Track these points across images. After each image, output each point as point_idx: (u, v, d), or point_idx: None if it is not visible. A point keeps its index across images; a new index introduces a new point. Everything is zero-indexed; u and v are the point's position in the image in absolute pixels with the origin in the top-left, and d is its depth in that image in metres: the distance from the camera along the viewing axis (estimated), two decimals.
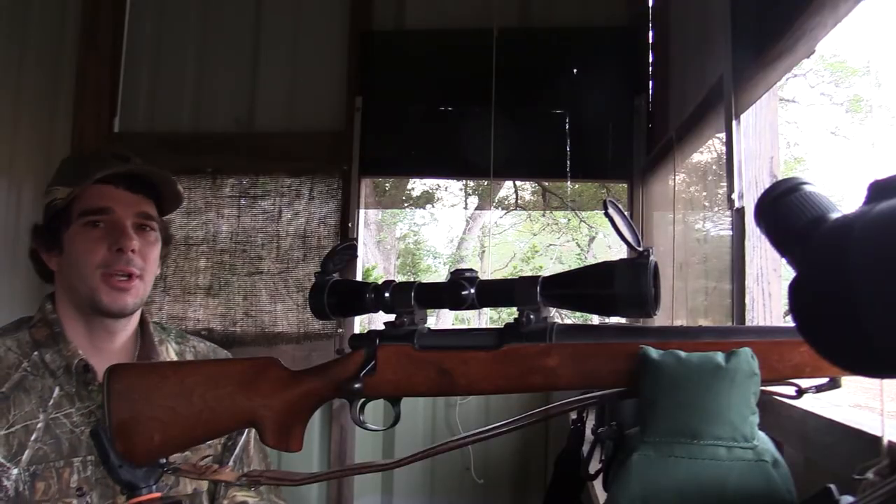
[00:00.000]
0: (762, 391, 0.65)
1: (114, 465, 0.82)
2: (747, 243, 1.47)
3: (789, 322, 0.48)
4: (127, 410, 0.82)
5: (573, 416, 0.94)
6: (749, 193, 1.50)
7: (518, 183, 8.84)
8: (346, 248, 0.82)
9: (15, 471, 1.10)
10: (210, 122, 3.08)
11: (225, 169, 3.00)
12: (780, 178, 1.12)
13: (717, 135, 1.75)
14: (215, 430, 0.85)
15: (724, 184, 1.60)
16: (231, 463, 1.31)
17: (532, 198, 9.61)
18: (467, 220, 10.81)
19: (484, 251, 10.82)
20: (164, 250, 1.31)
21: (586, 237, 11.16)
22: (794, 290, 0.43)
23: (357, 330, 2.80)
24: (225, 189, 3.00)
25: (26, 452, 1.12)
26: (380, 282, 0.78)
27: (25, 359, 1.18)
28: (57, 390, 1.17)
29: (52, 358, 1.18)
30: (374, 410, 0.81)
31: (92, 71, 3.04)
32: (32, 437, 1.13)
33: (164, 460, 0.85)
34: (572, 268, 0.73)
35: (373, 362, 0.76)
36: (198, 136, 3.05)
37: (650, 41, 2.83)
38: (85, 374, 1.18)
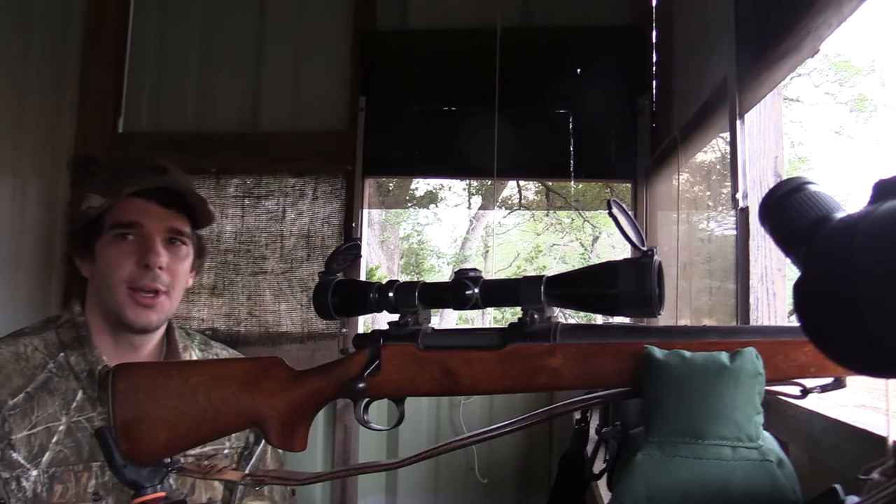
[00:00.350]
0: (767, 391, 0.65)
1: (118, 465, 0.82)
2: (751, 243, 1.47)
3: (794, 322, 0.48)
4: (132, 410, 0.82)
5: (577, 415, 0.94)
6: (753, 193, 1.50)
7: (521, 183, 8.82)
8: (349, 248, 0.82)
9: (34, 472, 1.10)
10: (214, 122, 3.08)
11: (229, 169, 3.00)
12: (784, 177, 1.12)
13: (722, 134, 1.75)
14: (220, 429, 0.85)
15: (728, 183, 1.59)
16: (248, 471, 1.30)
17: (535, 197, 9.60)
18: (471, 220, 10.80)
19: (487, 251, 10.81)
20: (197, 262, 1.31)
21: (590, 237, 11.15)
22: (799, 289, 0.43)
23: (361, 330, 2.80)
24: (229, 189, 3.00)
25: (47, 454, 1.11)
26: (384, 282, 0.78)
27: (51, 360, 1.17)
28: (80, 393, 1.16)
29: (76, 361, 1.18)
30: (378, 410, 0.81)
31: (96, 71, 3.05)
32: (54, 440, 1.12)
33: (169, 460, 0.85)
34: (576, 268, 0.73)
35: (377, 362, 0.76)
36: (202, 136, 3.05)
37: (654, 41, 2.83)
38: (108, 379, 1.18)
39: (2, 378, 1.12)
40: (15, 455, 1.09)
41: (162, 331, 1.29)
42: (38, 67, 2.96)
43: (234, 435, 1.25)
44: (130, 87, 3.12)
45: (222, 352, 1.40)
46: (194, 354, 1.34)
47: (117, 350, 1.23)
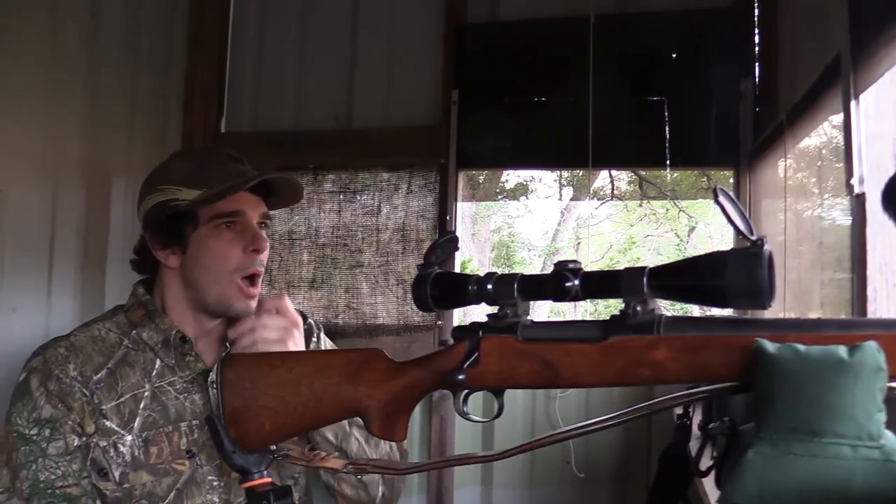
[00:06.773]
0: (890, 388, 0.61)
1: (227, 451, 0.85)
2: (869, 231, 1.39)
3: None
4: (239, 398, 0.85)
5: (678, 411, 0.91)
6: (870, 178, 1.42)
7: (614, 173, 8.64)
8: (447, 241, 0.82)
9: (129, 437, 1.17)
10: (310, 119, 3.16)
11: (325, 165, 3.08)
12: None
13: (833, 116, 1.66)
14: (322, 418, 0.87)
15: (839, 168, 1.51)
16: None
17: (628, 188, 9.38)
18: (562, 212, 10.66)
19: (579, 243, 10.65)
20: None
21: (686, 227, 10.80)
22: None
23: (456, 322, 2.82)
24: (326, 185, 3.08)
25: (137, 419, 1.18)
26: (481, 274, 0.78)
27: (126, 337, 1.24)
28: (158, 362, 1.23)
29: (149, 335, 1.23)
30: (474, 402, 0.81)
31: (199, 74, 3.19)
32: (141, 406, 1.19)
33: (274, 447, 0.88)
34: (672, 259, 0.71)
35: (476, 354, 0.76)
36: (299, 133, 3.15)
37: (756, 20, 2.70)
38: (182, 345, 1.23)
39: (83, 357, 1.19)
40: (108, 423, 1.17)
41: None
42: (147, 72, 3.12)
43: None
44: (232, 89, 3.24)
45: None
46: None
47: (195, 323, 1.26)
